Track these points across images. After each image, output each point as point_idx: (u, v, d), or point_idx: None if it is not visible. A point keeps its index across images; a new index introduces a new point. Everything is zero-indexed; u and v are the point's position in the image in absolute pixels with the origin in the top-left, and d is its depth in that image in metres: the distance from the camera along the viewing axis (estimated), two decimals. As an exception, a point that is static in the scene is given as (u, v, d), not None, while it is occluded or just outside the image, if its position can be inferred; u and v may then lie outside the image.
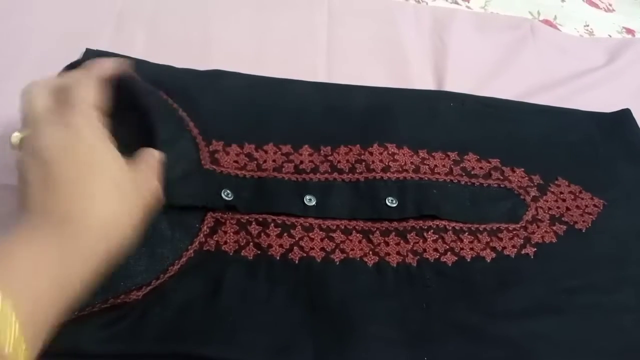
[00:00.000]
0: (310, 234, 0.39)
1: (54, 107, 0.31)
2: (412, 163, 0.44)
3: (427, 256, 0.40)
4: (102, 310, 0.34)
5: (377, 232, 0.40)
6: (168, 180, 0.36)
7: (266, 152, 0.43)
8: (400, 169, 0.43)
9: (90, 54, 0.46)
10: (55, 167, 0.28)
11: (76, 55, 0.46)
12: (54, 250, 0.26)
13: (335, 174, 0.43)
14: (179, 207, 0.37)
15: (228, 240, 0.38)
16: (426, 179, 0.43)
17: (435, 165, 0.44)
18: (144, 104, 0.37)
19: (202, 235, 0.38)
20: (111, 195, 0.29)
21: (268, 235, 0.39)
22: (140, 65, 0.41)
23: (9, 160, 0.41)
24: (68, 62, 0.41)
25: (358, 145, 0.44)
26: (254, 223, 0.39)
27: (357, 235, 0.40)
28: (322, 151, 0.44)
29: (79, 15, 0.51)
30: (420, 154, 0.45)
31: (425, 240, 0.40)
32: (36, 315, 0.25)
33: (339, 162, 0.43)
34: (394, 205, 0.41)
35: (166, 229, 0.37)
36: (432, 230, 0.41)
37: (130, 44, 0.50)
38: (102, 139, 0.30)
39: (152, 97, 0.40)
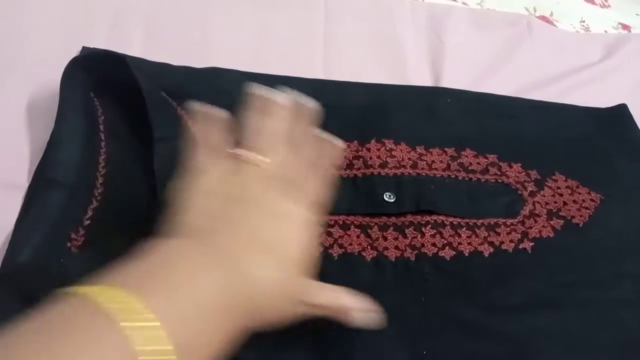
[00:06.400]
0: None
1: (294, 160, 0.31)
2: (409, 159, 0.44)
3: (426, 251, 0.40)
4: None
5: (376, 227, 0.40)
6: (159, 179, 0.36)
7: None
8: (398, 165, 0.44)
9: (88, 52, 0.47)
10: (257, 217, 0.28)
11: (73, 54, 0.46)
12: (218, 293, 0.25)
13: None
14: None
15: None
16: (424, 174, 0.43)
17: (433, 161, 0.45)
18: (148, 101, 0.37)
19: None
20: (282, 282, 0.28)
21: None
22: (138, 63, 0.41)
23: (8, 158, 0.41)
24: (65, 61, 0.41)
25: (356, 142, 0.44)
26: None
27: (356, 230, 0.40)
28: None
29: (76, 13, 0.51)
30: (418, 149, 0.45)
31: (423, 235, 0.40)
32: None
33: None
34: (392, 200, 0.41)
35: None
36: (430, 225, 0.41)
37: (127, 42, 0.50)
38: (310, 235, 0.30)
39: (151, 95, 0.40)
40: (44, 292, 0.32)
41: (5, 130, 0.43)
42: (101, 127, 0.42)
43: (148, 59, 0.46)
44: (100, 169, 0.40)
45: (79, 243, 0.37)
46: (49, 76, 0.44)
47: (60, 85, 0.40)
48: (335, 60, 0.53)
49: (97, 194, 0.39)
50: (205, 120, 0.33)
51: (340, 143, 0.33)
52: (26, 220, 0.37)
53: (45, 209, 0.37)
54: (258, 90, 0.33)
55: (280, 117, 0.32)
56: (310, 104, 0.33)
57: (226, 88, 0.46)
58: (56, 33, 0.49)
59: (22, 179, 0.40)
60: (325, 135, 0.33)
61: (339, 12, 0.57)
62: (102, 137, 0.42)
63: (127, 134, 0.43)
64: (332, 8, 0.57)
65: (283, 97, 0.33)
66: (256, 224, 0.28)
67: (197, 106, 0.33)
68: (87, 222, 0.38)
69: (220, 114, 0.33)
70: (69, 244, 0.37)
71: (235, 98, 0.46)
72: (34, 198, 0.38)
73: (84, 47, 0.47)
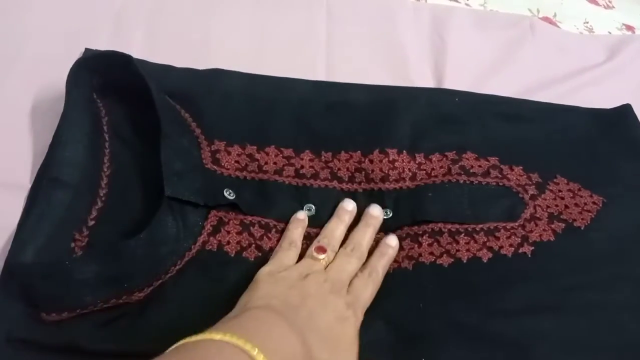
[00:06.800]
0: (309, 242, 0.39)
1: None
2: (409, 170, 0.44)
3: (423, 260, 0.39)
4: (102, 309, 0.34)
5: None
6: (167, 173, 0.37)
7: (267, 154, 0.43)
8: (398, 177, 0.43)
9: (94, 53, 0.47)
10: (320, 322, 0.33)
11: (74, 55, 0.46)
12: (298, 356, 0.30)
13: (335, 182, 0.43)
14: (180, 203, 0.38)
15: (231, 241, 0.39)
16: (422, 184, 0.43)
17: (433, 169, 0.44)
18: (155, 99, 0.38)
19: (205, 233, 0.38)
20: None
21: (270, 239, 0.39)
22: (141, 64, 0.41)
23: (10, 159, 0.42)
24: (66, 62, 0.41)
25: (359, 152, 0.44)
26: (257, 225, 0.40)
27: None
28: (322, 157, 0.44)
29: (77, 15, 0.51)
30: (418, 158, 0.45)
31: (420, 244, 0.40)
32: None
33: (339, 169, 0.43)
34: (389, 216, 0.41)
35: (172, 227, 0.37)
36: (427, 234, 0.40)
37: (129, 43, 0.50)
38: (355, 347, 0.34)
39: (158, 92, 0.40)
40: (47, 292, 0.33)
41: (6, 130, 0.43)
42: (105, 127, 0.43)
43: (149, 60, 0.46)
44: (105, 169, 0.41)
45: (83, 244, 0.37)
46: (50, 77, 0.44)
47: (66, 86, 0.40)
48: (338, 61, 0.53)
49: (101, 194, 0.40)
50: (296, 223, 0.40)
51: (395, 241, 0.40)
52: (30, 220, 0.37)
53: (49, 208, 0.37)
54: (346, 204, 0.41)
55: (345, 222, 0.40)
56: (377, 212, 0.41)
57: (228, 90, 0.46)
58: (58, 34, 0.50)
59: (24, 179, 0.41)
60: (386, 239, 0.40)
61: (340, 12, 0.57)
62: (106, 138, 0.42)
63: (130, 135, 0.43)
64: (333, 9, 0.57)
65: (350, 205, 0.41)
66: (312, 312, 0.33)
67: (299, 214, 0.41)
68: (91, 223, 0.38)
69: (306, 219, 0.41)
70: (72, 245, 0.37)
71: (237, 100, 0.46)
72: (37, 197, 0.38)
73: (86, 49, 0.48)
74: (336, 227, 0.40)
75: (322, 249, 0.38)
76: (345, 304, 0.35)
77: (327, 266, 0.37)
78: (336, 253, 0.38)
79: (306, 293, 0.34)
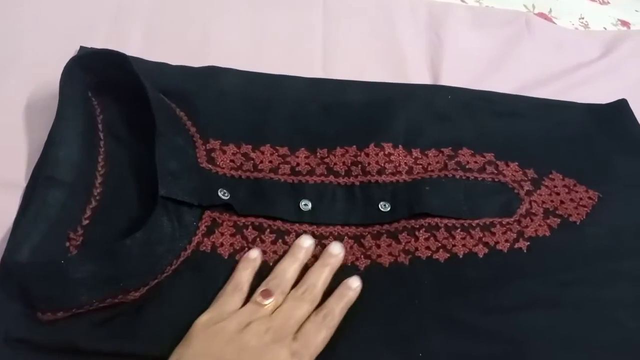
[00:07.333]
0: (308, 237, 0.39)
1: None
2: (405, 164, 0.44)
3: (420, 254, 0.39)
4: (99, 308, 0.34)
5: (369, 235, 0.40)
6: (162, 172, 0.37)
7: (263, 152, 0.43)
8: (395, 171, 0.43)
9: (88, 51, 0.47)
10: None
11: (71, 54, 0.46)
12: None
13: (331, 177, 0.43)
14: (176, 203, 0.38)
15: (224, 243, 0.38)
16: (419, 178, 0.43)
17: (429, 164, 0.44)
18: (150, 97, 0.38)
19: (199, 234, 0.38)
20: None
21: (263, 242, 0.39)
22: (136, 63, 0.41)
23: (6, 157, 0.42)
24: (63, 60, 0.41)
25: (354, 147, 0.44)
26: (250, 227, 0.39)
27: (349, 241, 0.40)
28: (318, 153, 0.44)
29: (75, 13, 0.51)
30: (414, 153, 0.45)
31: (417, 238, 0.40)
32: None
33: (335, 164, 0.43)
34: (387, 209, 0.41)
35: (167, 226, 0.37)
36: (423, 229, 0.40)
37: (126, 41, 0.50)
38: None
39: (153, 91, 0.40)
40: (42, 292, 0.33)
41: (2, 129, 0.43)
42: (100, 126, 0.43)
43: (147, 58, 0.46)
44: (100, 169, 0.41)
45: (78, 243, 0.37)
46: (47, 76, 0.44)
47: (60, 84, 0.40)
48: (334, 59, 0.53)
49: (96, 194, 0.40)
50: (246, 263, 0.37)
51: (357, 283, 0.37)
52: (25, 218, 0.37)
53: (44, 207, 0.37)
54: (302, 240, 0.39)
55: (300, 261, 0.37)
56: (337, 250, 0.38)
57: (223, 88, 0.46)
58: (55, 33, 0.50)
59: (19, 178, 0.41)
60: (347, 280, 0.37)
61: (337, 10, 0.57)
62: (101, 137, 0.42)
63: (125, 134, 0.43)
64: (331, 6, 0.57)
65: (307, 242, 0.38)
66: None
67: (251, 254, 0.38)
68: (85, 222, 0.38)
69: (258, 258, 0.38)
70: (67, 244, 0.37)
71: (232, 98, 0.46)
72: (33, 196, 0.38)
73: (81, 47, 0.48)
74: (288, 267, 0.37)
75: (268, 294, 0.34)
76: (290, 354, 0.32)
77: (275, 310, 0.34)
78: (287, 294, 0.35)
79: (244, 347, 0.31)
